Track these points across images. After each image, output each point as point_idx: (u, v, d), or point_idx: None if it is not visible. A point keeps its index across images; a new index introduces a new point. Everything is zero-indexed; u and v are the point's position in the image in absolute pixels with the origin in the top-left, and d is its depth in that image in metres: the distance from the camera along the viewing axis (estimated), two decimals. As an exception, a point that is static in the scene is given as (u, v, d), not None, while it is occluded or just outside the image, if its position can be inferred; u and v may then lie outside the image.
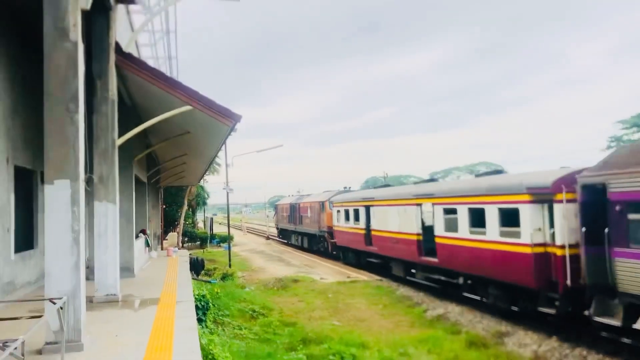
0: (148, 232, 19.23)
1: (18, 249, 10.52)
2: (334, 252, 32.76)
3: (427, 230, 19.89)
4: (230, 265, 30.19)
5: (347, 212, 29.10)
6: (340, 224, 30.40)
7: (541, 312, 14.24)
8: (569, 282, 12.56)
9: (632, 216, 11.18)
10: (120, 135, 10.07)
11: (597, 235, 11.95)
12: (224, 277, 24.67)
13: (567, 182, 13.04)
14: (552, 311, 13.51)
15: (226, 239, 36.46)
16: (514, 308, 15.29)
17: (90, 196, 9.60)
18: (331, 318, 16.91)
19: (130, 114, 13.08)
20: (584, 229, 12.26)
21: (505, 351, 12.95)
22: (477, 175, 20.15)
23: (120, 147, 10.21)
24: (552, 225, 13.41)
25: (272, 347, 12.82)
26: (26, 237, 11.49)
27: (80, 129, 6.61)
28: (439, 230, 18.56)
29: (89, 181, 9.32)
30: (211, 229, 53.34)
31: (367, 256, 26.87)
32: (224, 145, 15.83)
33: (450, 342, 13.60)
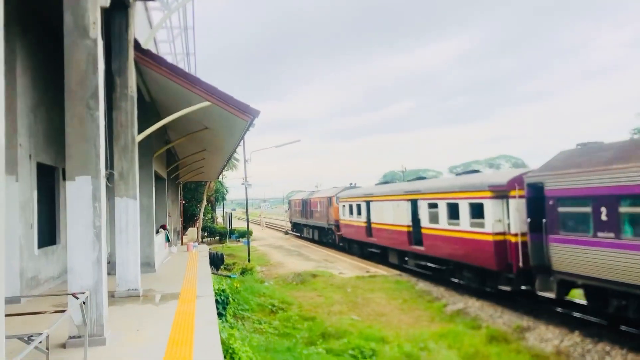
0: (168, 227, 19.39)
1: (41, 245, 10.68)
2: (341, 244, 35.23)
3: (416, 223, 22.61)
4: (249, 260, 30.30)
5: (351, 207, 31.87)
6: (345, 217, 33.23)
7: (563, 309, 14.82)
8: (520, 264, 15.33)
9: (561, 209, 13.83)
10: (140, 131, 10.15)
11: (539, 225, 14.52)
12: (243, 272, 24.78)
13: (518, 181, 15.62)
14: (508, 288, 16.27)
15: (245, 234, 36.54)
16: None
17: (111, 192, 9.70)
18: (350, 313, 16.89)
19: (149, 110, 13.17)
20: (529, 220, 15.02)
21: (527, 346, 12.83)
22: (458, 175, 23.10)
23: (140, 143, 10.29)
24: (508, 217, 16.10)
25: (292, 342, 12.86)
26: (49, 232, 11.66)
27: (100, 126, 6.67)
28: (425, 222, 21.44)
29: (109, 177, 9.41)
30: (230, 224, 53.61)
31: (369, 247, 29.62)
32: (242, 141, 15.85)
33: (471, 337, 13.52)
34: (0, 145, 3.73)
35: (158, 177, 16.86)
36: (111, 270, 10.58)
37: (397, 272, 24.46)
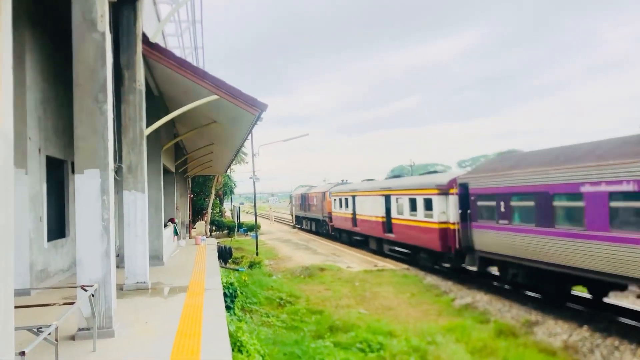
0: (176, 220, 19.47)
1: (51, 238, 10.76)
2: (333, 233, 40.21)
3: (388, 214, 27.15)
4: (257, 254, 30.40)
5: (340, 201, 36.72)
6: (336, 210, 38.26)
7: (570, 305, 14.61)
8: (457, 246, 19.60)
9: (479, 203, 18.20)
10: (148, 125, 10.18)
11: (466, 215, 18.98)
12: (252, 265, 24.86)
13: (455, 181, 19.95)
14: (448, 265, 20.77)
15: (253, 228, 36.70)
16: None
17: (119, 185, 9.76)
18: (358, 306, 16.91)
19: (157, 103, 13.21)
20: (460, 212, 19.33)
21: (535, 341, 12.78)
22: (420, 174, 28.10)
23: (148, 137, 10.33)
24: (448, 209, 20.42)
25: (300, 335, 12.88)
26: (58, 225, 11.74)
27: (109, 119, 6.69)
28: (394, 214, 26.24)
29: (118, 170, 9.45)
30: (238, 217, 53.78)
31: (354, 235, 34.56)
32: (250, 135, 15.86)
33: (479, 331, 13.48)
34: (10, 139, 3.76)
35: (166, 171, 16.92)
36: (120, 263, 10.65)
37: (405, 266, 24.47)
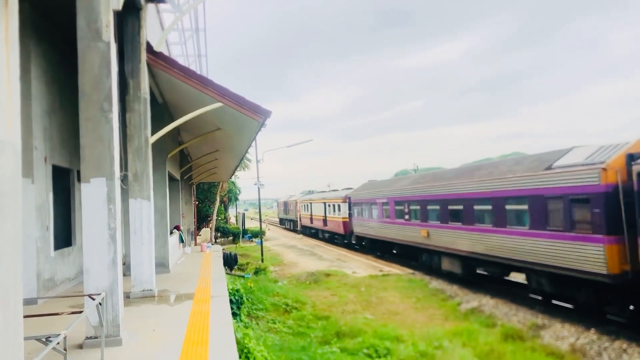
0: (182, 228, 19.49)
1: (57, 247, 10.79)
2: (300, 229, 56.23)
3: (325, 214, 43.17)
4: (262, 260, 30.40)
5: (304, 206, 52.52)
6: (302, 212, 54.22)
7: (584, 305, 14.58)
8: (352, 231, 35.33)
9: (354, 208, 34.28)
10: (153, 133, 10.21)
11: (352, 213, 35.17)
12: (257, 272, 24.86)
13: (347, 196, 36.02)
14: (351, 242, 36.10)
15: (258, 234, 36.81)
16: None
17: (125, 193, 9.76)
18: (364, 312, 16.88)
19: (162, 111, 13.26)
20: (349, 212, 35.71)
21: (542, 344, 12.73)
22: (343, 189, 42.00)
23: (154, 145, 10.36)
24: (347, 210, 36.09)
25: (306, 341, 12.87)
26: (65, 234, 11.77)
27: (114, 128, 6.72)
28: (327, 214, 42.31)
29: (123, 179, 9.46)
30: (243, 224, 53.79)
31: (311, 229, 50.64)
32: (254, 141, 15.88)
33: (486, 335, 13.44)
34: (18, 149, 3.78)
35: (172, 178, 16.96)
36: (126, 271, 10.66)
37: (411, 270, 24.43)
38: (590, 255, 13.21)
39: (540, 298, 16.39)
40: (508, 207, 16.93)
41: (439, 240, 21.80)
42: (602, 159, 13.23)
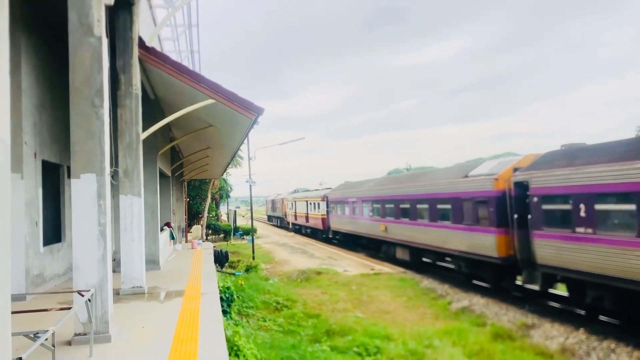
0: (172, 224, 19.42)
1: (46, 242, 10.71)
2: (286, 224, 60.51)
3: (307, 211, 47.00)
4: (253, 258, 30.37)
5: (289, 204, 56.65)
6: (287, 210, 58.59)
7: (566, 306, 14.67)
8: (329, 226, 39.67)
9: (331, 205, 38.96)
10: (145, 129, 10.16)
11: (329, 211, 39.48)
12: (248, 269, 24.84)
13: (325, 195, 40.52)
14: (329, 236, 40.65)
15: (249, 232, 36.78)
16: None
17: (115, 190, 9.71)
18: (355, 310, 16.90)
19: (154, 107, 13.19)
20: (327, 209, 39.87)
21: (532, 343, 12.80)
22: (323, 189, 46.92)
23: (145, 141, 10.31)
24: (325, 208, 40.16)
25: (297, 339, 12.87)
26: (54, 230, 11.69)
27: (105, 123, 6.67)
28: (309, 211, 46.15)
29: (114, 175, 9.40)
30: (234, 221, 53.71)
31: (295, 225, 54.49)
32: (246, 138, 15.84)
33: (476, 334, 13.50)
34: (7, 144, 3.74)
35: (162, 175, 16.90)
36: (116, 268, 10.60)
37: (402, 269, 24.49)
38: (489, 244, 17.31)
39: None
40: (439, 206, 20.96)
41: (394, 233, 26.07)
42: (498, 171, 17.32)
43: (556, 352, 12.16)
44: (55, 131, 11.09)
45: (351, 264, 27.48)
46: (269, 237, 48.96)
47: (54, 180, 11.73)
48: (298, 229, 53.59)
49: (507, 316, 15.15)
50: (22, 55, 9.32)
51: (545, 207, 14.75)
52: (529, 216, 15.44)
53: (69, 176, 11.65)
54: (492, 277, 18.21)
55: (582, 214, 13.19)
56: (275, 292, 18.91)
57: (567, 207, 13.78)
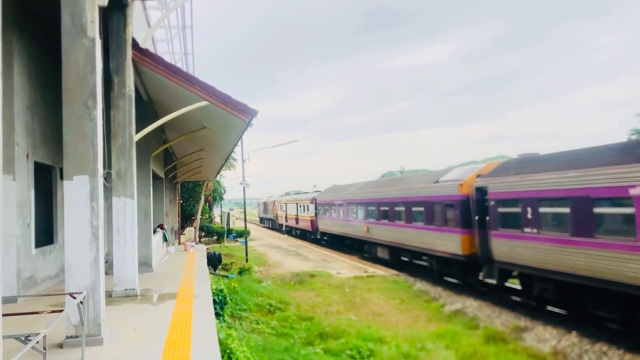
0: (166, 226, 19.36)
1: (38, 244, 10.65)
2: (277, 226, 62.66)
3: (297, 213, 48.99)
4: (247, 260, 30.28)
5: (280, 206, 59.24)
6: (278, 212, 61.11)
7: (559, 309, 14.90)
8: (317, 228, 41.42)
9: (319, 207, 40.92)
10: (138, 130, 10.12)
11: (317, 213, 41.42)
12: (241, 272, 24.75)
13: (314, 198, 42.26)
14: (317, 237, 42.35)
15: (243, 234, 36.68)
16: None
17: (108, 191, 9.67)
18: (348, 313, 16.89)
19: (147, 109, 13.15)
20: (315, 211, 41.86)
21: (524, 346, 12.82)
22: (312, 192, 48.25)
23: (138, 143, 10.26)
24: (314, 210, 41.99)
25: (290, 342, 12.84)
26: (46, 232, 11.63)
27: (98, 125, 6.65)
28: (299, 213, 47.93)
29: (107, 177, 9.37)
30: (228, 223, 53.60)
31: (287, 227, 55.85)
32: (240, 140, 15.81)
33: (469, 337, 13.52)
34: (-2, 145, 3.72)
35: (156, 177, 16.84)
36: (109, 270, 10.55)
37: (395, 272, 24.50)
38: (455, 243, 18.91)
39: (521, 300, 16.86)
40: (414, 209, 22.68)
41: (375, 233, 27.80)
42: (463, 177, 18.94)
43: (549, 355, 12.19)
44: (48, 132, 11.04)
45: (344, 267, 27.48)
46: (262, 240, 48.88)
47: (46, 182, 11.67)
48: (289, 231, 55.23)
49: (499, 319, 15.18)
50: (14, 56, 9.28)
51: (500, 209, 16.46)
52: (487, 218, 17.13)
53: (61, 178, 11.59)
54: (458, 274, 19.87)
55: (529, 216, 14.99)
56: (268, 294, 18.86)
57: (517, 210, 15.49)
